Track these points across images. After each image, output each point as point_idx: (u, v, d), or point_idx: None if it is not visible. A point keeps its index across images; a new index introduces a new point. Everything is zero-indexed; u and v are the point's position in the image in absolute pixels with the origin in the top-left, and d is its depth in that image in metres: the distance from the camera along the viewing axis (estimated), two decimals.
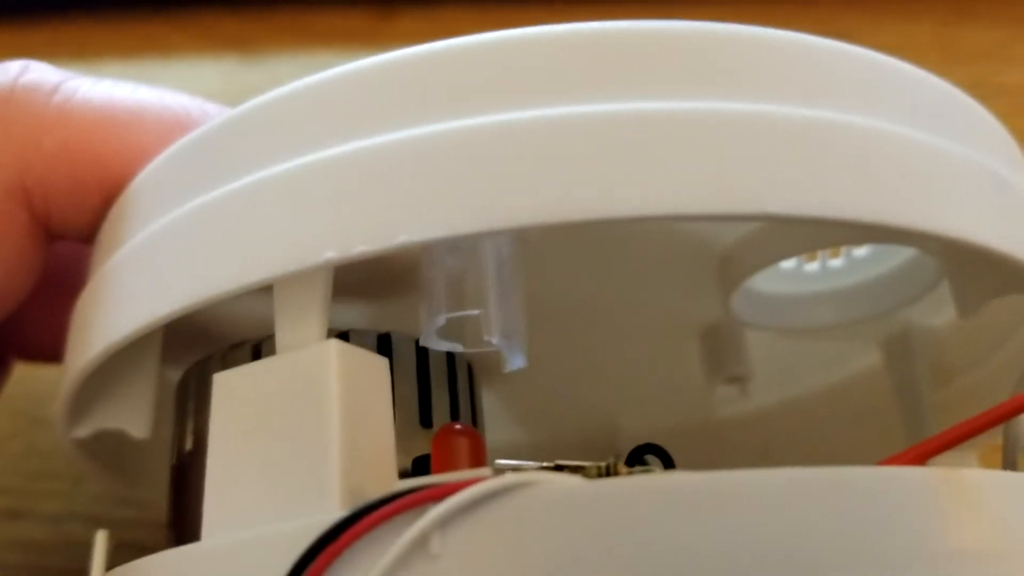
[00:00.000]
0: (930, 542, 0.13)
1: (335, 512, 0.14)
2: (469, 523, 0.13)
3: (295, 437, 0.14)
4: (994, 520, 0.14)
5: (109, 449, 0.21)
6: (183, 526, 0.18)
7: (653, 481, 0.13)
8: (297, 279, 0.15)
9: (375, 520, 0.13)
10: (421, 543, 0.13)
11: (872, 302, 0.23)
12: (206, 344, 0.19)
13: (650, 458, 0.17)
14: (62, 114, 0.20)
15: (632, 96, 0.15)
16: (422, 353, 0.19)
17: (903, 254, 0.22)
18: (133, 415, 0.19)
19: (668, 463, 0.16)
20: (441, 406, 0.19)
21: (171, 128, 0.19)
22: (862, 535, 0.13)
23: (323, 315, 0.15)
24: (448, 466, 0.15)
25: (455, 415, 0.19)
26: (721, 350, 0.24)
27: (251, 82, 0.36)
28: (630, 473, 0.15)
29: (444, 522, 0.13)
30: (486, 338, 0.16)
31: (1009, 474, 0.16)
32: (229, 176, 0.16)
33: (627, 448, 0.25)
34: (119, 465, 0.22)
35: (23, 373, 0.23)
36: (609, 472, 0.15)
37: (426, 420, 0.18)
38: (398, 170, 0.15)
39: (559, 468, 0.15)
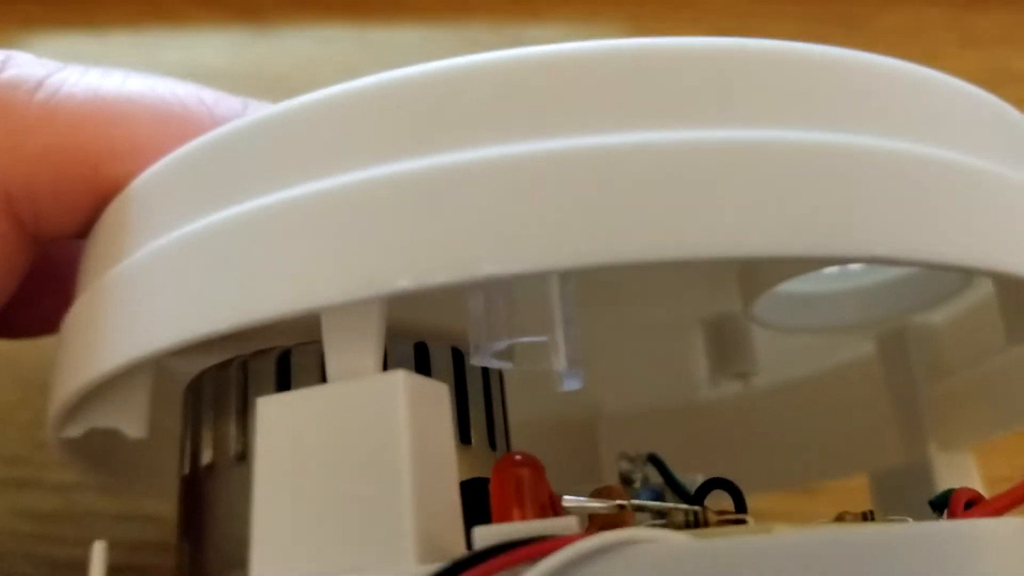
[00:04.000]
0: None
1: (412, 567, 0.13)
2: None
3: (360, 478, 0.14)
4: None
5: (100, 448, 0.20)
6: (200, 544, 0.18)
7: (760, 541, 0.13)
8: (352, 307, 0.14)
9: None
10: None
11: (891, 303, 0.23)
12: (220, 348, 0.18)
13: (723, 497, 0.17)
14: (45, 113, 0.19)
15: (730, 124, 0.14)
16: (457, 364, 0.18)
17: None
18: (129, 415, 0.18)
19: (738, 498, 0.16)
20: (478, 422, 0.18)
21: (164, 120, 0.18)
22: None
23: (380, 343, 0.14)
24: (511, 503, 0.14)
25: (491, 429, 0.18)
26: (728, 346, 0.24)
27: (261, 53, 0.35)
28: (720, 522, 0.15)
29: None
30: (554, 366, 0.15)
31: None
32: (268, 186, 0.15)
33: (607, 432, 0.25)
34: (109, 464, 0.21)
35: (30, 343, 0.23)
36: (697, 520, 0.14)
37: (465, 436, 0.18)
38: (485, 191, 0.14)
39: (640, 509, 0.15)
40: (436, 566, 0.12)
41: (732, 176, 0.13)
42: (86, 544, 0.18)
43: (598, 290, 0.21)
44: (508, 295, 0.16)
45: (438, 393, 0.15)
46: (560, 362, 0.15)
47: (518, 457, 0.15)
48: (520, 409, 0.23)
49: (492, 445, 0.18)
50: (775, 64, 0.15)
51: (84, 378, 0.16)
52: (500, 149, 0.14)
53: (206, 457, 0.18)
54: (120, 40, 0.36)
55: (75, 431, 0.18)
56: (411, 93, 0.15)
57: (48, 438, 0.18)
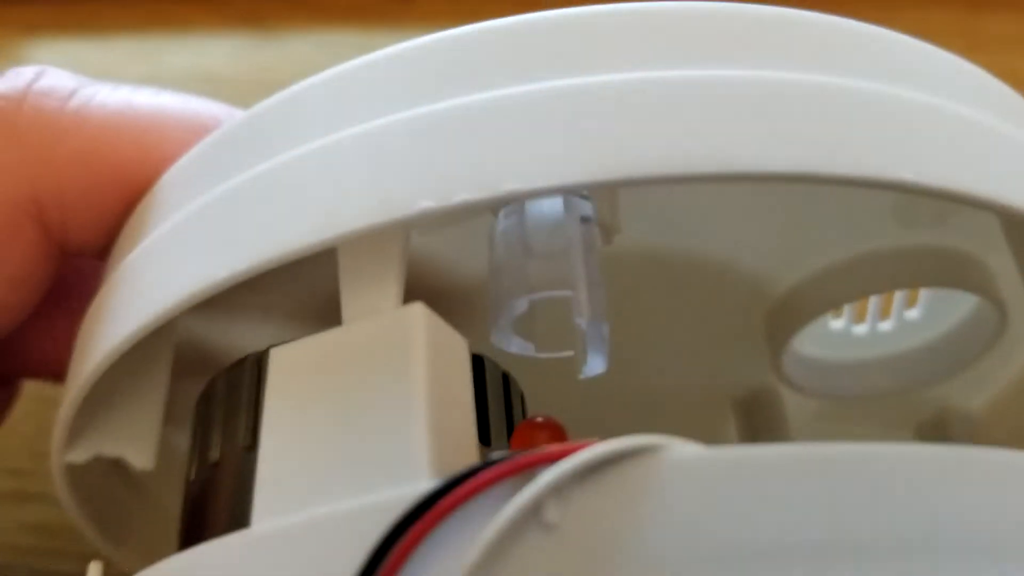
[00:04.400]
0: None
1: (425, 483, 0.12)
2: (588, 489, 0.12)
3: (371, 408, 0.13)
4: None
5: (99, 488, 0.19)
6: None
7: (795, 450, 0.12)
8: (372, 239, 0.14)
9: (481, 484, 0.12)
10: (534, 512, 0.12)
11: (922, 369, 0.22)
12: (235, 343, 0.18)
13: None
14: (77, 120, 0.19)
15: (744, 65, 0.15)
16: (477, 369, 0.17)
17: (954, 317, 0.22)
18: (137, 441, 0.17)
19: None
20: (498, 426, 0.17)
21: (196, 132, 0.18)
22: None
23: (400, 279, 0.14)
24: None
25: (511, 434, 0.17)
26: (762, 424, 0.23)
27: (266, 59, 0.36)
28: None
29: (561, 487, 0.12)
30: (576, 320, 0.15)
31: None
32: (282, 148, 0.15)
33: None
34: (103, 514, 0.20)
35: None
36: None
37: (484, 438, 0.17)
38: (503, 118, 0.14)
39: None
40: (451, 473, 0.12)
41: (761, 102, 0.14)
42: (88, 558, 0.17)
43: (624, 372, 0.20)
44: (528, 249, 0.16)
45: (457, 341, 0.14)
46: (584, 315, 0.15)
47: (540, 420, 0.14)
48: None
49: None
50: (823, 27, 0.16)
51: (97, 358, 0.16)
52: (521, 87, 0.14)
53: (213, 455, 0.17)
54: (124, 46, 0.36)
55: (80, 455, 0.18)
56: (428, 52, 0.15)
57: (51, 464, 0.18)
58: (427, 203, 0.13)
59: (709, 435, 0.23)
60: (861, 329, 0.23)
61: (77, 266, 0.21)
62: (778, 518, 0.11)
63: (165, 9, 0.38)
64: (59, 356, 0.19)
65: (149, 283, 0.16)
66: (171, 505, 0.19)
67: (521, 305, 0.15)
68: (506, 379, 0.18)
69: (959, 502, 0.12)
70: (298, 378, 0.14)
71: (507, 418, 0.18)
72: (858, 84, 0.15)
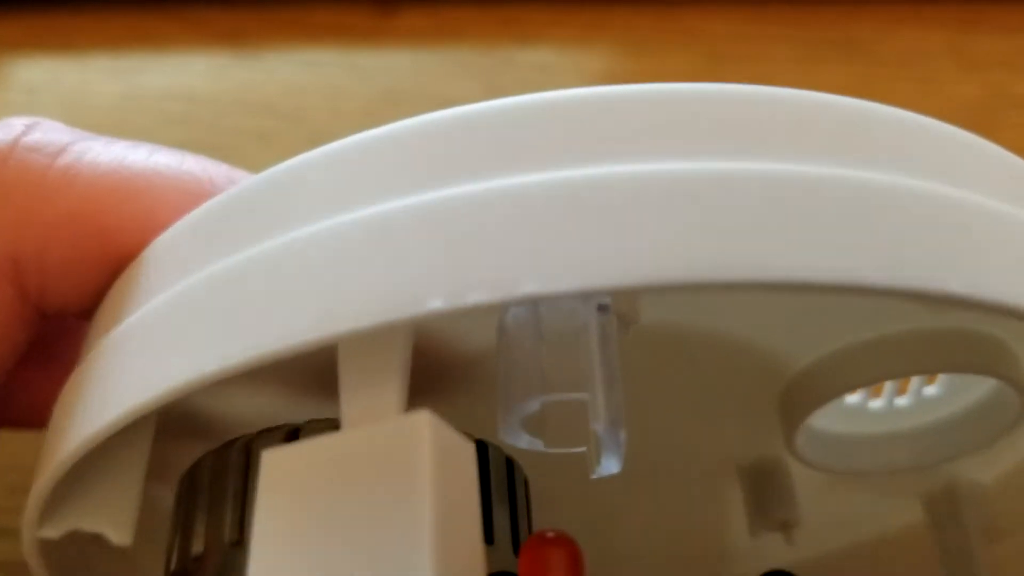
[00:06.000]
0: None
1: None
2: None
3: (372, 523, 0.13)
4: None
5: (74, 558, 0.18)
6: None
7: None
8: (373, 338, 0.13)
9: None
10: None
11: (938, 447, 0.22)
12: (209, 436, 0.17)
13: None
14: (66, 179, 0.18)
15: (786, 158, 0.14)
16: (480, 455, 0.17)
17: (974, 395, 0.21)
18: (115, 516, 0.17)
19: None
20: (502, 523, 0.17)
21: (191, 197, 0.18)
22: None
23: (404, 382, 0.14)
24: None
25: (515, 533, 0.17)
26: (767, 492, 0.22)
27: (245, 78, 0.36)
28: None
29: None
30: (592, 426, 0.14)
31: None
32: (282, 228, 0.14)
33: None
34: None
35: None
36: None
37: (487, 535, 0.17)
38: (522, 209, 0.13)
39: None
40: None
41: (797, 202, 0.13)
42: None
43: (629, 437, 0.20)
44: (540, 336, 0.15)
45: (463, 448, 0.14)
46: (600, 419, 0.14)
47: (551, 535, 0.14)
48: None
49: (517, 550, 0.17)
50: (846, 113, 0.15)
51: (75, 441, 0.15)
52: (543, 176, 0.13)
53: (197, 547, 0.16)
54: (101, 64, 0.36)
55: (55, 531, 0.17)
56: (441, 127, 0.15)
57: (23, 537, 0.17)
58: (437, 303, 0.13)
59: (714, 500, 0.23)
60: (877, 404, 0.22)
61: (61, 322, 0.20)
62: None
63: (143, 26, 0.37)
64: (41, 408, 0.18)
65: (133, 370, 0.15)
66: (152, 568, 0.18)
67: (532, 406, 0.14)
68: (509, 464, 0.17)
69: None
70: (294, 486, 0.13)
71: (511, 505, 0.17)
72: (894, 180, 0.14)
